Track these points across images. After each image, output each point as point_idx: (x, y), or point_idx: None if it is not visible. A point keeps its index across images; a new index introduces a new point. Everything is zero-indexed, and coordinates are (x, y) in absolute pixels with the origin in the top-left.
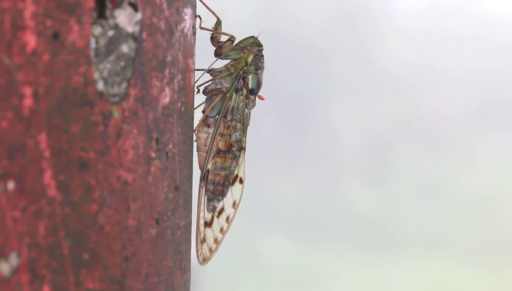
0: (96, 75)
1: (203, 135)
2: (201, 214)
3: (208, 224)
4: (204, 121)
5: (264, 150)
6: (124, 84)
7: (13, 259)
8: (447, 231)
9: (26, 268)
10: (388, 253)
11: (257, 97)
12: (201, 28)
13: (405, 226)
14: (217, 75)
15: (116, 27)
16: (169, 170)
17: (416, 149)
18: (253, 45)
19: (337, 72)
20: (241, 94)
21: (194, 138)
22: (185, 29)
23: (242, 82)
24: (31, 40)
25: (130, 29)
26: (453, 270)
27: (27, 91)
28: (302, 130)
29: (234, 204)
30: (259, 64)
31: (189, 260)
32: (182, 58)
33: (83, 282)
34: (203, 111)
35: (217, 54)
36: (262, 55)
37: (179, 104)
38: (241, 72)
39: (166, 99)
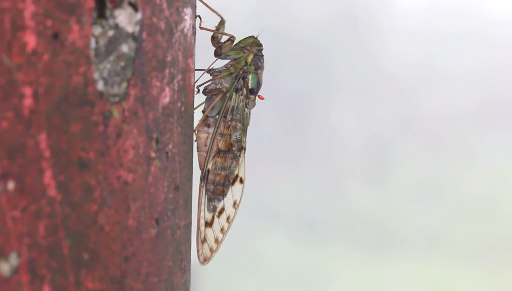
0: (96, 75)
1: (203, 135)
2: (202, 214)
3: (208, 224)
4: (204, 121)
5: (264, 149)
6: (124, 84)
7: (13, 259)
8: (447, 231)
9: (26, 268)
10: (388, 253)
11: (257, 97)
12: (201, 28)
13: (405, 226)
14: (217, 75)
15: (116, 27)
16: (169, 170)
17: (416, 149)
18: (253, 45)
19: (337, 72)
20: (241, 94)
21: (194, 138)
22: (185, 29)
23: (242, 82)
24: (31, 40)
25: (130, 29)
26: (453, 270)
27: (27, 91)
28: (302, 130)
29: (234, 203)
30: (259, 64)
31: (189, 260)
32: (182, 58)
33: (83, 282)
34: (203, 111)
35: (217, 54)
36: (262, 55)
37: (179, 104)
38: (241, 72)
39: (166, 99)
